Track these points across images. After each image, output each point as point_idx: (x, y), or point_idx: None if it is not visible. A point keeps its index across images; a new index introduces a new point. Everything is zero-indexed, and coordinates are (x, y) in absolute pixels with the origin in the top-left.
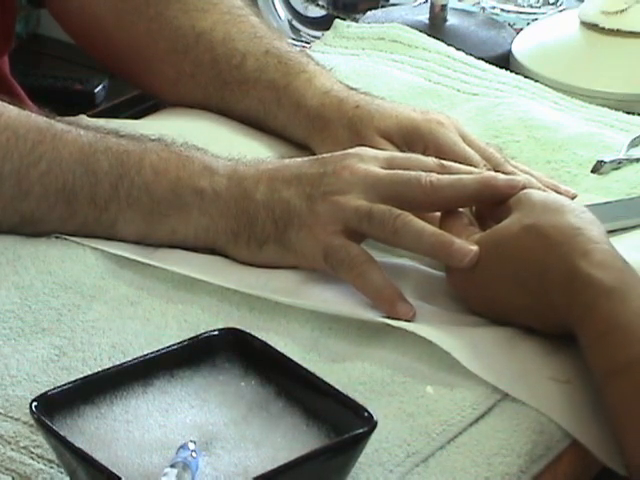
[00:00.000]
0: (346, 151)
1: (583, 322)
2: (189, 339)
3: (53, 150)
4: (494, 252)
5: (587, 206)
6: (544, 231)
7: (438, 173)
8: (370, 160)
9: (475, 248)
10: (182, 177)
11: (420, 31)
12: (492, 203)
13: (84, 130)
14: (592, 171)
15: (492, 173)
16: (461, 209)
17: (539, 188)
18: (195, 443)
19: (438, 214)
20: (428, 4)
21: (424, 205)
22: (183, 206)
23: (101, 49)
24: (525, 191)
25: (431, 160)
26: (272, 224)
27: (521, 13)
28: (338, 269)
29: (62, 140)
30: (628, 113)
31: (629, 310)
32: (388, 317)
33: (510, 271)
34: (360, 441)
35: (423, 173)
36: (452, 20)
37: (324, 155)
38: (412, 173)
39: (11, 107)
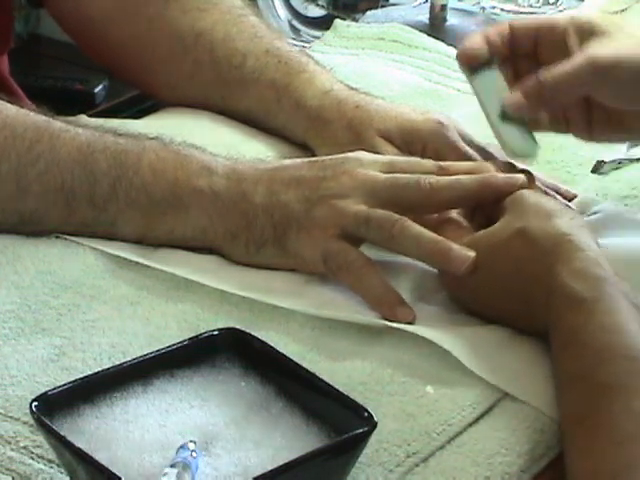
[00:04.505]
0: (346, 155)
1: (552, 333)
2: (189, 339)
3: (51, 149)
4: (486, 257)
5: None
6: (532, 236)
7: (438, 175)
8: (369, 164)
9: (472, 255)
10: (180, 177)
11: (420, 31)
12: (492, 201)
13: (82, 129)
14: (592, 171)
15: (491, 172)
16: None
17: (540, 183)
18: (195, 443)
19: (436, 215)
20: (428, 4)
21: (424, 207)
22: (181, 206)
23: (100, 49)
24: (520, 192)
25: (430, 163)
26: (271, 227)
27: (521, 13)
28: (337, 273)
29: (60, 139)
30: None
31: (592, 324)
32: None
33: (500, 277)
34: (360, 441)
35: (422, 175)
36: (452, 20)
37: (323, 158)
38: (411, 176)
39: (9, 105)
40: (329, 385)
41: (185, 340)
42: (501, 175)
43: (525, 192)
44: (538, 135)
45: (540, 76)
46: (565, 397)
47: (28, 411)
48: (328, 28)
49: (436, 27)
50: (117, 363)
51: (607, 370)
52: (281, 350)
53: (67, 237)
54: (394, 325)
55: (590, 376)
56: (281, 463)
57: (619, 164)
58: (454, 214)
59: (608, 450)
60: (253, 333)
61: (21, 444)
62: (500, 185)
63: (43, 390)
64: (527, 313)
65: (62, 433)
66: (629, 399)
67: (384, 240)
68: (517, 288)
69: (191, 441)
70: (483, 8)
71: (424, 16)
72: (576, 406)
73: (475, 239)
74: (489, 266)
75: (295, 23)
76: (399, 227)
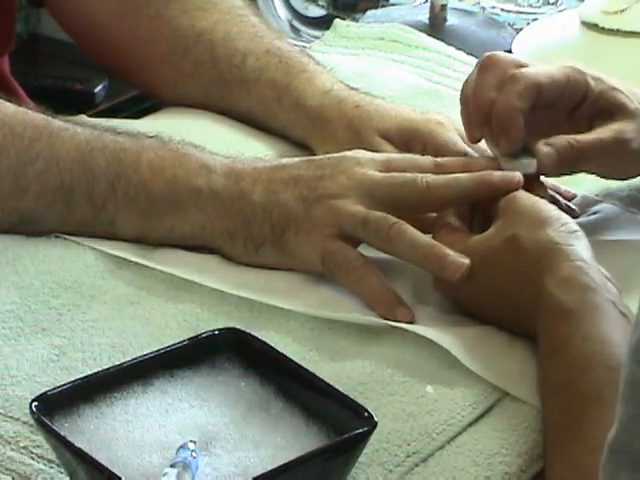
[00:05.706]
0: (343, 153)
1: (540, 340)
2: (189, 339)
3: (50, 148)
4: (478, 264)
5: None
6: (522, 245)
7: (435, 172)
8: (367, 163)
9: (467, 262)
10: (179, 175)
11: (420, 31)
12: (489, 199)
13: (81, 128)
14: None
15: (487, 170)
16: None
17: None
18: (195, 443)
19: (435, 216)
20: (428, 4)
21: (421, 206)
22: (180, 204)
23: (100, 49)
24: (513, 196)
25: (427, 159)
26: (269, 227)
27: (521, 13)
28: (335, 273)
29: (59, 138)
30: None
31: (578, 334)
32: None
33: (492, 283)
34: (360, 441)
35: (419, 174)
36: (452, 20)
37: (321, 157)
38: (408, 175)
39: (8, 104)
40: (329, 385)
41: (185, 340)
42: (498, 173)
43: (519, 195)
44: None
45: (571, 139)
46: (549, 405)
47: (28, 411)
48: (328, 28)
49: (436, 27)
50: (117, 363)
51: (588, 380)
52: (281, 350)
53: (67, 237)
54: (394, 324)
55: (573, 385)
56: (281, 463)
57: None
58: (452, 217)
59: (581, 459)
60: (253, 333)
61: (21, 444)
62: (496, 183)
63: (43, 390)
64: (519, 319)
65: (62, 433)
66: (604, 408)
67: (380, 242)
68: (508, 295)
69: (191, 441)
70: (483, 8)
71: (424, 16)
72: (558, 415)
73: (468, 245)
74: (481, 273)
75: (295, 23)
76: (395, 230)
